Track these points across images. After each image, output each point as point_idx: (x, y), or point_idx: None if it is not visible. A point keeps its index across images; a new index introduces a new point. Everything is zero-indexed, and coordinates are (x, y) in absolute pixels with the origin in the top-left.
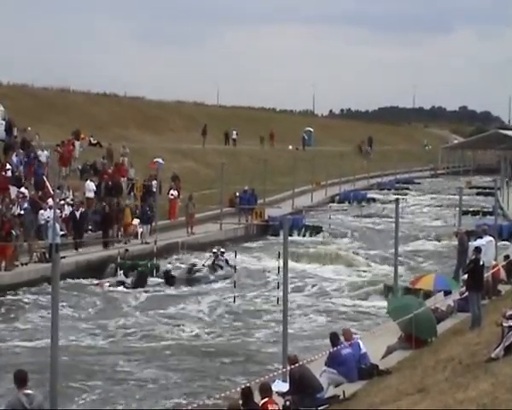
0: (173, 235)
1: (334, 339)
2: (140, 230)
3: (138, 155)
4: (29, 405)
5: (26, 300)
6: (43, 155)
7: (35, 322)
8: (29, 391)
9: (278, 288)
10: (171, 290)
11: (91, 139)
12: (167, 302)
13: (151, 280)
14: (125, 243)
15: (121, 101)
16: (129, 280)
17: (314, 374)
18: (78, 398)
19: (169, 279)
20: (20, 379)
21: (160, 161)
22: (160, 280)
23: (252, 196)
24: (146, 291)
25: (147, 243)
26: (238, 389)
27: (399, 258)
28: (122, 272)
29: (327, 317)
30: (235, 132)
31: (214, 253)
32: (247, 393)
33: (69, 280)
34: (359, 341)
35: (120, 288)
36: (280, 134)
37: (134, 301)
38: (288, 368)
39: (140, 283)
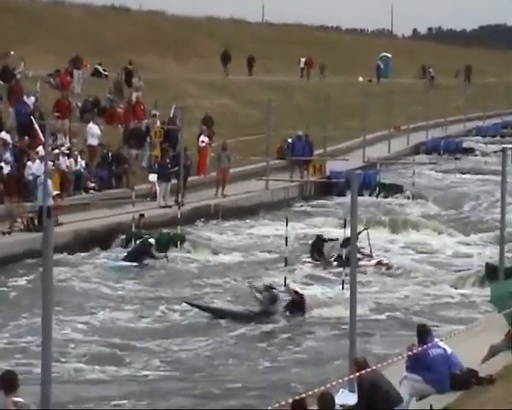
0: (204, 195)
1: (423, 334)
2: (158, 189)
3: (157, 89)
4: None
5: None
6: (30, 100)
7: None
8: (19, 399)
9: (343, 267)
10: None
11: (99, 68)
12: None
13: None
14: None
15: (135, 17)
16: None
17: (390, 382)
18: None
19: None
20: (9, 383)
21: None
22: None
23: (307, 145)
24: None
25: (168, 206)
26: (289, 400)
27: (508, 229)
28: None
29: (407, 307)
30: (303, 60)
31: None
32: (299, 406)
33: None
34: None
35: None
36: (346, 62)
37: None
38: (356, 374)
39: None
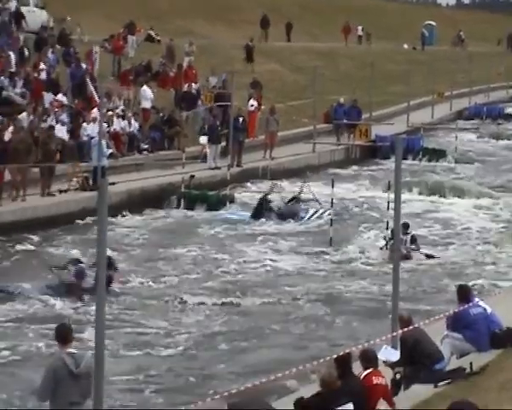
0: (252, 158)
1: (464, 294)
2: (208, 151)
3: (207, 54)
4: (75, 367)
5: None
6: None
7: None
8: (74, 350)
9: (387, 228)
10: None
11: (151, 33)
12: None
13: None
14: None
15: None
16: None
17: (433, 340)
18: None
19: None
20: (64, 335)
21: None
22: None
23: (353, 109)
24: None
25: (217, 167)
26: (334, 356)
27: None
28: None
29: (447, 268)
30: (360, 28)
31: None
32: (344, 361)
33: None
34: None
35: None
36: (391, 30)
37: None
38: (400, 331)
39: None
